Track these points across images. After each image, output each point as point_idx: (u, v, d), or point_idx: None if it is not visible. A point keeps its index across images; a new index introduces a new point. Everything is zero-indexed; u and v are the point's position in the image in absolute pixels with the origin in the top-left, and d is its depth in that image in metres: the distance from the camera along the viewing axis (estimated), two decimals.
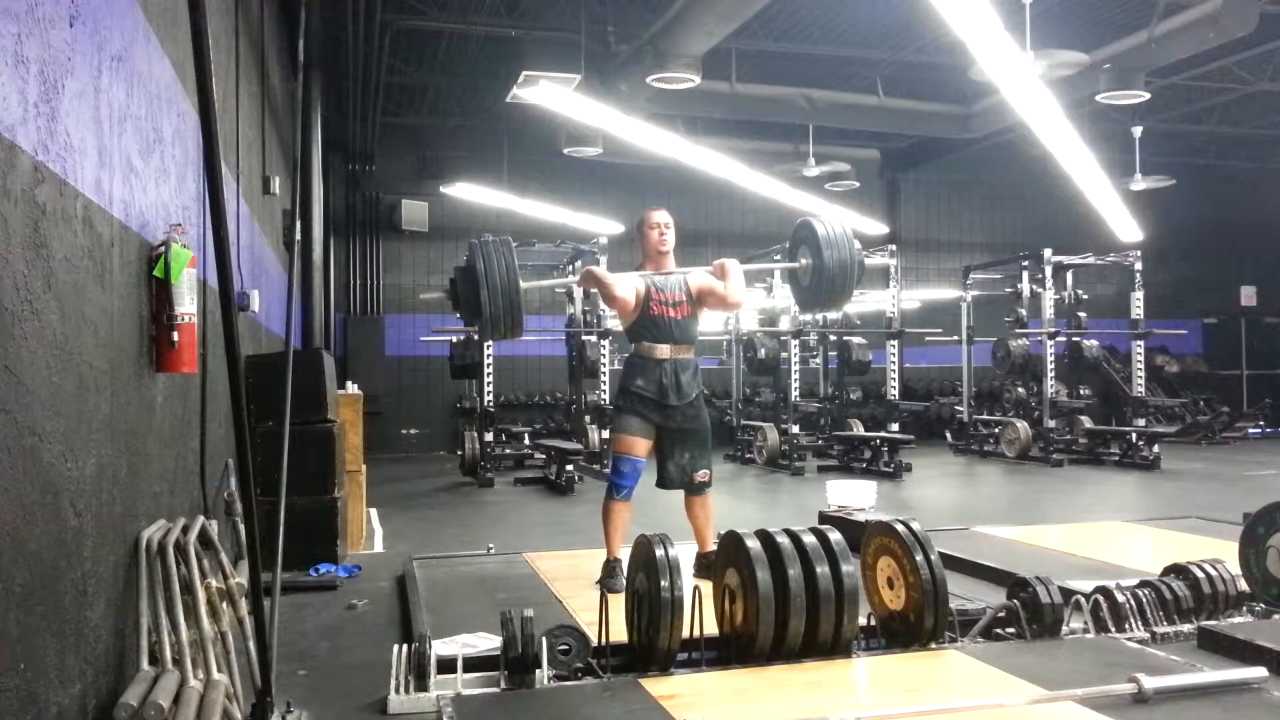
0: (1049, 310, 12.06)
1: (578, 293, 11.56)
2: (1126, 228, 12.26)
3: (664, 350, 4.77)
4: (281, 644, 3.54)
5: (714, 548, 4.21)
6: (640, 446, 4.78)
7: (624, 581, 4.01)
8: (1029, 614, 3.93)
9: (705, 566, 4.66)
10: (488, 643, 3.75)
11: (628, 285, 4.81)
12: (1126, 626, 4.04)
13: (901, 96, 12.29)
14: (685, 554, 3.69)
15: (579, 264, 11.54)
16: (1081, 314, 12.67)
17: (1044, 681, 3.31)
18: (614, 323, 12.05)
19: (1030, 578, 4.04)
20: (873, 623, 3.92)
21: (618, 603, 3.82)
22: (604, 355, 11.11)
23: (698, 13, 8.57)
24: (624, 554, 4.30)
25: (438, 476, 11.42)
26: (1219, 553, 4.64)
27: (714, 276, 4.88)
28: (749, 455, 12.41)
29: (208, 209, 3.05)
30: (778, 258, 12.07)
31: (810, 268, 4.88)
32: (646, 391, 4.75)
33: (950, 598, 3.77)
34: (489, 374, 10.47)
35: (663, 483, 4.89)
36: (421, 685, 3.42)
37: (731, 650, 3.64)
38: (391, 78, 11.91)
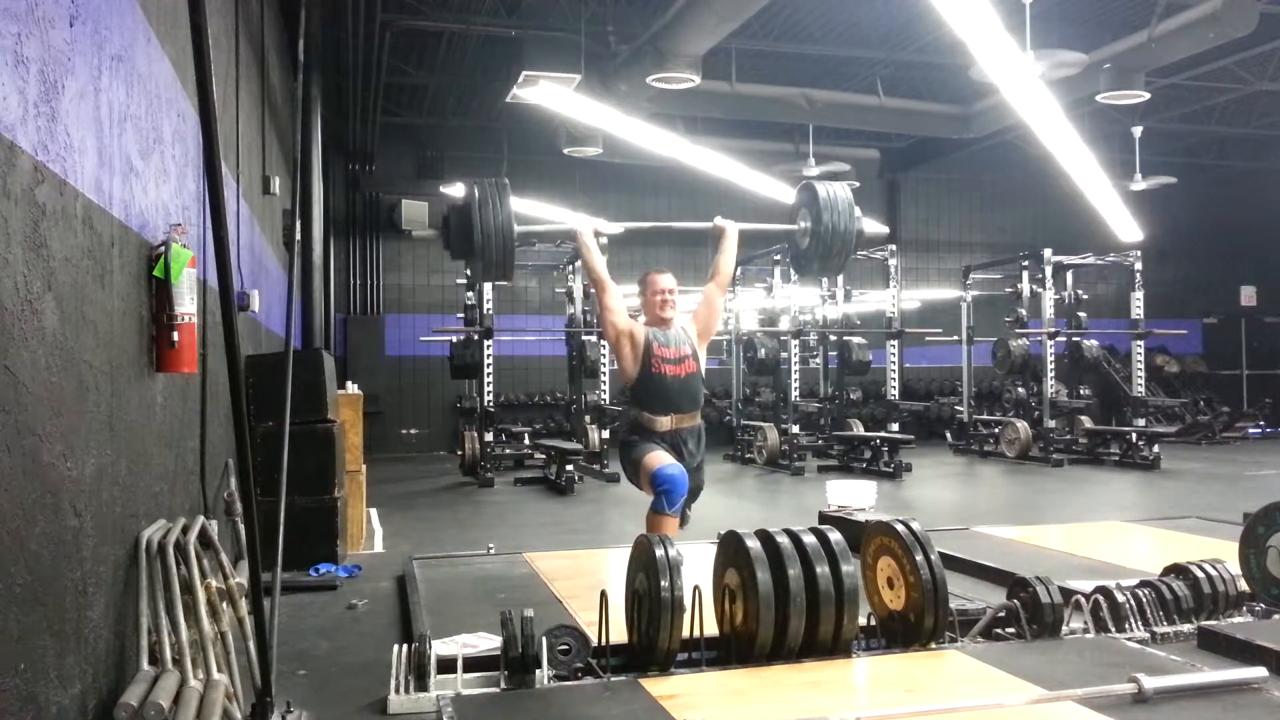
0: (1049, 310, 12.06)
1: (578, 291, 11.54)
2: (1126, 227, 12.25)
3: (665, 423, 4.51)
4: (281, 644, 3.54)
5: None
6: (670, 455, 4.44)
7: None
8: (1029, 614, 3.93)
9: None
10: (488, 643, 3.75)
11: (622, 306, 4.63)
12: (1126, 626, 4.04)
13: (901, 96, 12.29)
14: (685, 554, 3.69)
15: (579, 264, 11.54)
16: (1081, 314, 12.68)
17: (1044, 681, 3.31)
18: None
19: (1030, 578, 4.04)
20: (873, 623, 3.92)
21: (617, 603, 3.82)
22: (604, 355, 11.12)
23: (698, 12, 8.56)
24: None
25: (438, 476, 11.42)
26: (1219, 553, 4.64)
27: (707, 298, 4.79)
28: (749, 455, 12.42)
29: (208, 209, 3.05)
30: (777, 254, 12.08)
31: (809, 231, 4.87)
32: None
33: (950, 598, 3.77)
34: (489, 374, 10.47)
35: None
36: (421, 685, 3.42)
37: (731, 650, 3.64)
38: (391, 78, 11.90)
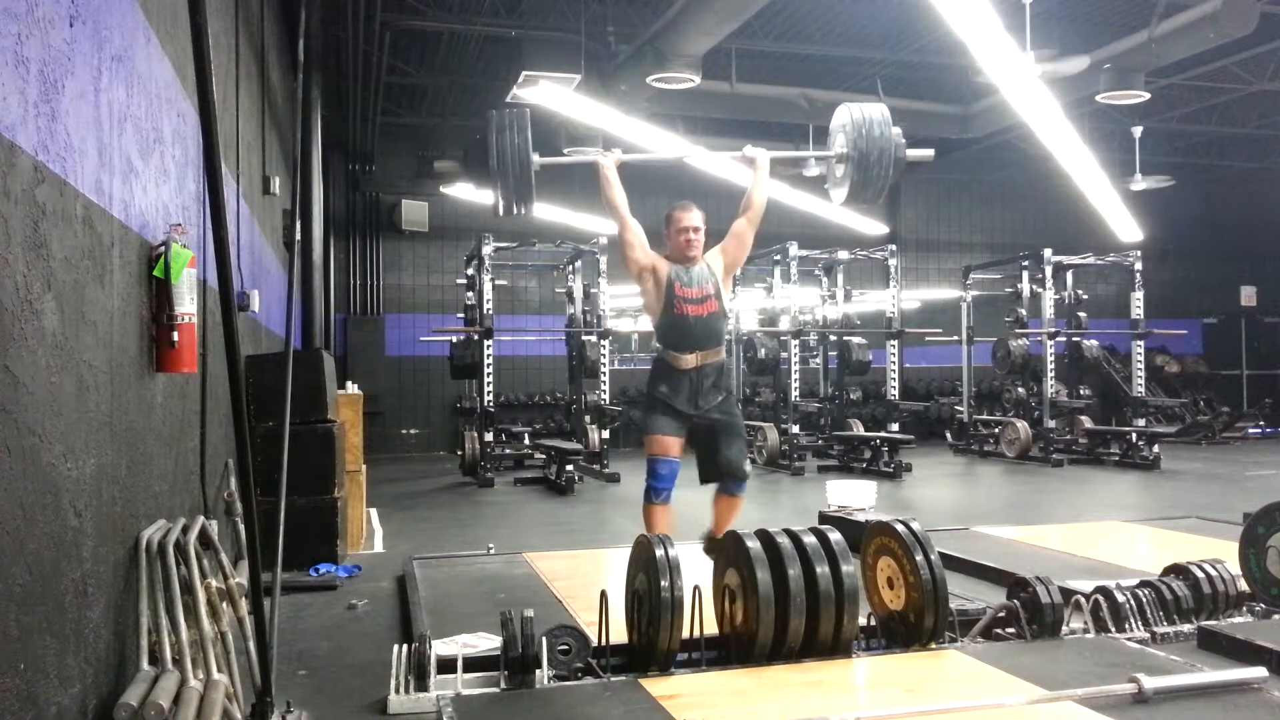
0: (1049, 310, 12.06)
1: (578, 290, 11.54)
2: (1126, 227, 12.26)
3: (690, 360, 4.58)
4: (281, 644, 3.54)
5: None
6: (675, 446, 4.59)
7: None
8: (1029, 614, 3.93)
9: (712, 546, 4.62)
10: (488, 643, 3.75)
11: (642, 241, 4.61)
12: (1126, 626, 4.04)
13: (901, 97, 12.27)
14: (685, 554, 3.69)
15: (579, 264, 11.54)
16: (1081, 314, 12.68)
17: (1044, 681, 3.31)
18: (614, 322, 12.05)
19: (1030, 578, 4.04)
20: (873, 623, 3.92)
21: (618, 603, 3.82)
22: (604, 355, 11.12)
23: (698, 12, 8.56)
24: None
25: (438, 476, 11.42)
26: (1219, 553, 4.64)
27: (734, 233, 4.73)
28: (749, 455, 12.39)
29: (208, 209, 3.05)
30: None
31: (846, 155, 4.78)
32: (672, 399, 4.61)
33: (950, 598, 3.78)
34: (489, 374, 10.47)
35: (706, 476, 4.76)
36: (421, 685, 3.42)
37: (731, 650, 3.64)
38: (391, 77, 11.90)
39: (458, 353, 11.07)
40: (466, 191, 13.59)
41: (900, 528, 3.81)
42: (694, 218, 4.64)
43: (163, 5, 3.55)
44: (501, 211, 4.52)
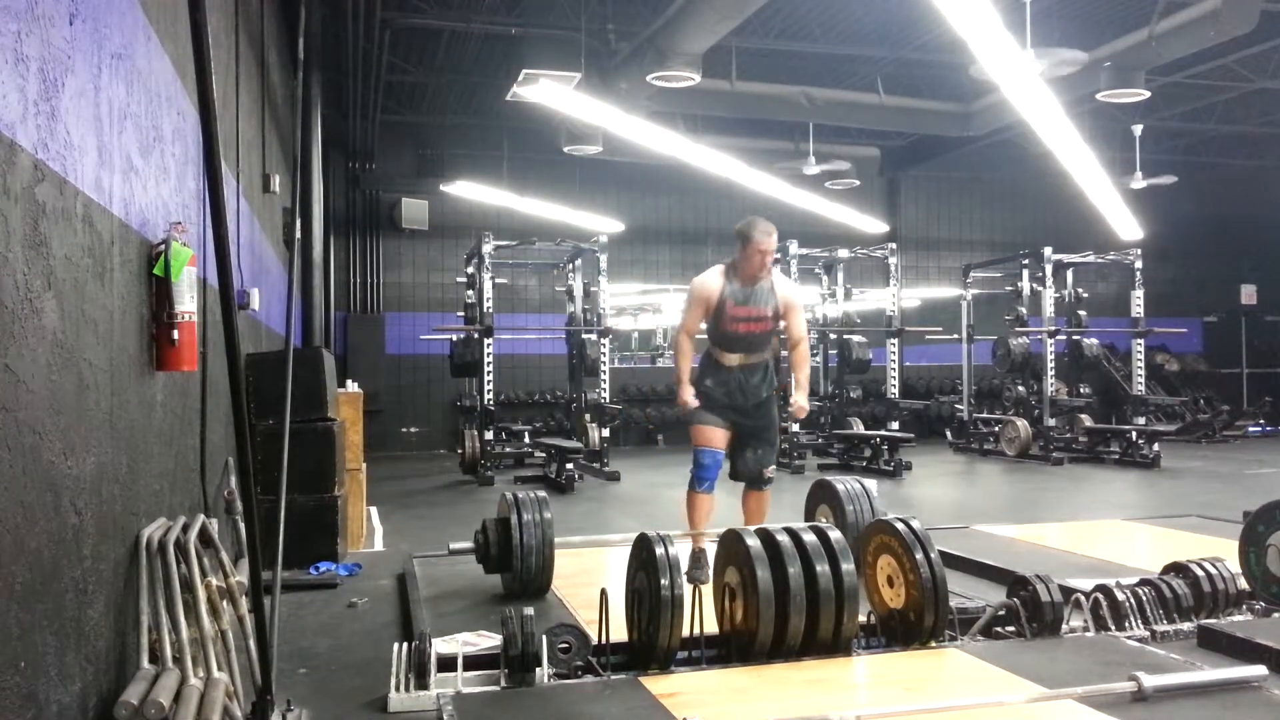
0: (1049, 309, 12.06)
1: (578, 288, 11.54)
2: (1127, 226, 12.25)
3: (733, 359, 4.82)
4: (282, 642, 3.54)
5: None
6: (719, 437, 4.85)
7: (709, 573, 4.08)
8: (1029, 612, 3.94)
9: None
10: (488, 641, 3.76)
11: (698, 309, 4.83)
12: (1126, 625, 4.04)
13: (902, 94, 12.28)
14: (685, 552, 3.70)
15: (579, 262, 11.54)
16: (1082, 312, 12.67)
17: (1044, 680, 3.31)
18: (614, 321, 12.05)
19: (1030, 576, 4.04)
20: (873, 621, 3.92)
21: (618, 601, 3.83)
22: (604, 353, 11.12)
23: (698, 10, 8.55)
24: (709, 546, 4.38)
25: (438, 475, 11.41)
26: (1219, 551, 4.65)
27: (793, 312, 4.90)
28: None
29: (208, 207, 3.05)
30: None
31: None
32: (716, 393, 4.86)
33: (950, 596, 3.78)
34: (489, 372, 10.47)
35: (734, 474, 5.07)
36: (422, 683, 3.42)
37: (732, 648, 3.64)
38: (392, 76, 11.90)
39: (458, 351, 11.07)
40: (467, 190, 13.59)
41: (900, 526, 3.81)
42: (771, 243, 4.78)
43: (163, 3, 3.55)
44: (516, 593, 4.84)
